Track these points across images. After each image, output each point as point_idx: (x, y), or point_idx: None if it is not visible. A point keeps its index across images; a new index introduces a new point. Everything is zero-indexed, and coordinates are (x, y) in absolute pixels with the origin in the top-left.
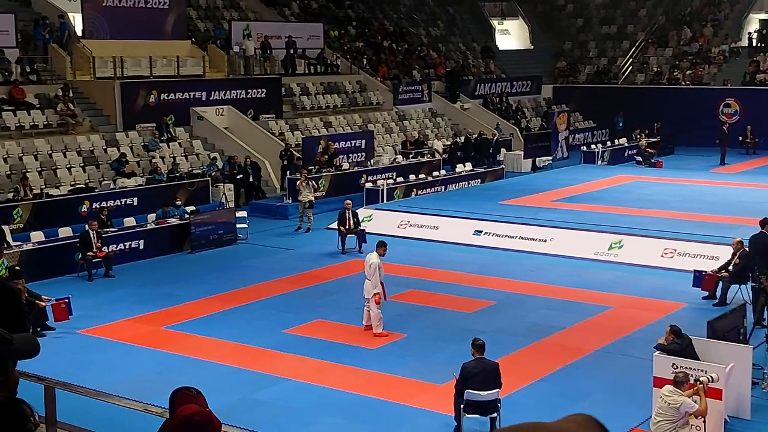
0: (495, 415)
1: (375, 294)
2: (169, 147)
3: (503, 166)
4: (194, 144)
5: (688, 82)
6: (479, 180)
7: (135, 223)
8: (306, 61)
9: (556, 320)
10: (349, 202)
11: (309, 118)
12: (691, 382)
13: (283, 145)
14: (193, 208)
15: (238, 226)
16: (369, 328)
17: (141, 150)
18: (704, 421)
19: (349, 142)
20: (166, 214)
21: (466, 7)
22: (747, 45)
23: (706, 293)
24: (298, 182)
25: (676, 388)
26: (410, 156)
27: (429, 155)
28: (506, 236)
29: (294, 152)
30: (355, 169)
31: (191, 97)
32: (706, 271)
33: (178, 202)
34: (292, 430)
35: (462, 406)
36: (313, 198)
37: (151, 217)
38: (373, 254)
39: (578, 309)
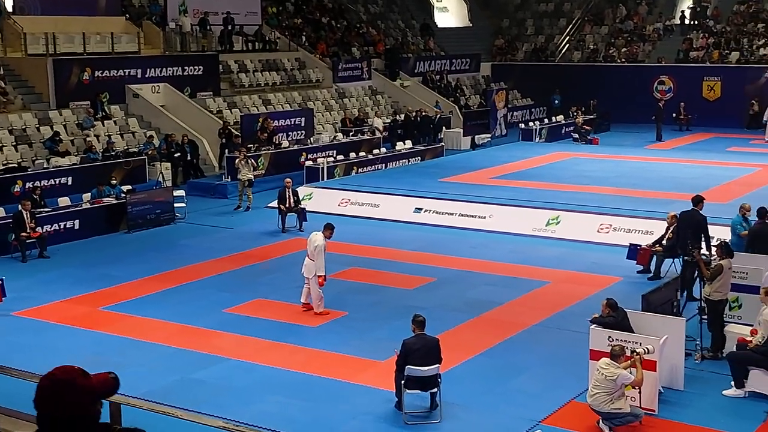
0: (435, 390)
1: (319, 276)
2: (104, 125)
3: (443, 143)
4: (130, 122)
5: (623, 60)
6: (419, 158)
7: (70, 203)
8: (244, 37)
9: (496, 296)
10: (289, 180)
11: (247, 96)
12: (627, 354)
13: (221, 123)
14: (129, 187)
15: (175, 205)
16: (307, 306)
17: (75, 128)
18: (639, 392)
19: (288, 119)
20: (101, 193)
21: None
22: (680, 23)
23: (640, 267)
24: (237, 160)
25: (612, 361)
26: (350, 134)
27: (369, 133)
28: (446, 213)
29: (232, 130)
30: (295, 147)
31: (126, 74)
32: (640, 245)
33: (114, 181)
34: (233, 409)
35: (403, 381)
36: (252, 176)
37: (86, 196)
38: (318, 234)
39: (517, 284)
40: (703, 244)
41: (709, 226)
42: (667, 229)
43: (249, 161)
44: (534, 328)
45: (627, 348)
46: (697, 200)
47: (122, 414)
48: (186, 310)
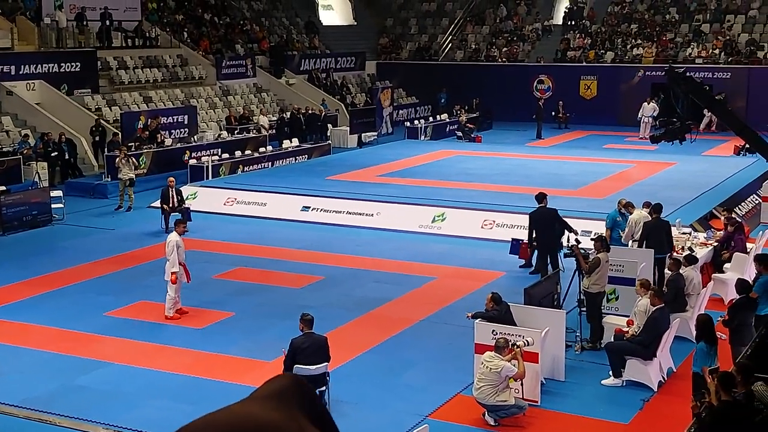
0: (324, 388)
1: (172, 273)
2: None
3: (330, 141)
4: (4, 121)
5: (504, 59)
6: (306, 156)
7: None
8: (123, 33)
9: (383, 293)
10: (172, 179)
11: (128, 93)
12: (510, 347)
13: (94, 120)
14: (3, 188)
15: (53, 206)
16: (179, 313)
17: None
18: (522, 384)
19: (171, 117)
20: None
21: None
22: (559, 23)
23: (522, 261)
24: (118, 159)
25: (496, 354)
26: (235, 132)
27: (255, 131)
28: (334, 211)
29: (107, 128)
30: (179, 145)
31: None
32: (522, 240)
33: None
34: (118, 415)
35: None
36: (133, 175)
37: None
38: (172, 233)
39: (404, 281)
40: (570, 235)
41: (589, 221)
42: None
43: (130, 160)
44: (421, 324)
45: (509, 341)
46: (541, 197)
47: None
48: (66, 315)
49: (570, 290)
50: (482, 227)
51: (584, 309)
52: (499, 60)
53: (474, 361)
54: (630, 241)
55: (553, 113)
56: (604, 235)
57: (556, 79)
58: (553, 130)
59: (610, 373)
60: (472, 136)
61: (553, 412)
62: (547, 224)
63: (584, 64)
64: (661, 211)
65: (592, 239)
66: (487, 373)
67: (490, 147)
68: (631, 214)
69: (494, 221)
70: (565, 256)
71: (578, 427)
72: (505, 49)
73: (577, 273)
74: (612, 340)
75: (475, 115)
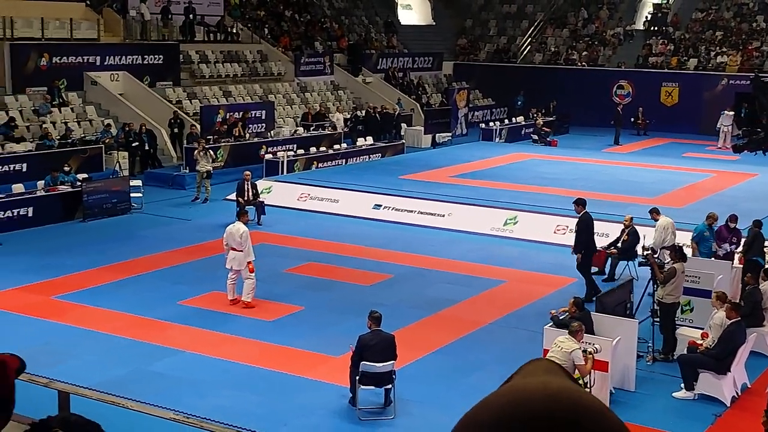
0: (390, 386)
1: (250, 263)
2: (60, 112)
3: (404, 141)
4: (87, 110)
5: (583, 63)
6: (380, 154)
7: (24, 190)
8: (205, 28)
9: (452, 294)
10: (248, 173)
11: (208, 87)
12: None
13: (172, 113)
14: (85, 175)
15: (132, 195)
16: (236, 301)
17: (31, 114)
18: (590, 389)
19: (249, 112)
20: (55, 180)
21: None
22: (641, 28)
23: (595, 269)
24: (196, 152)
25: (570, 336)
26: (311, 128)
27: (330, 128)
28: (405, 211)
29: (185, 120)
30: (255, 140)
31: (85, 61)
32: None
33: (67, 169)
34: (187, 402)
35: (357, 377)
36: (210, 168)
37: (41, 184)
38: (238, 224)
39: (474, 283)
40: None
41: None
42: (623, 231)
43: (207, 153)
44: (489, 327)
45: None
46: (580, 202)
47: (71, 404)
48: (141, 302)
49: (643, 300)
50: (555, 232)
51: (657, 319)
52: (579, 64)
53: None
54: (660, 249)
55: (633, 119)
56: (680, 244)
57: (637, 84)
58: (632, 137)
59: (682, 385)
60: (548, 139)
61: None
62: (591, 229)
63: (666, 70)
64: (761, 225)
65: (668, 248)
66: (558, 352)
67: (566, 151)
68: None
69: (567, 226)
70: (640, 264)
71: None
72: (585, 52)
73: (651, 282)
74: (685, 352)
75: (551, 118)
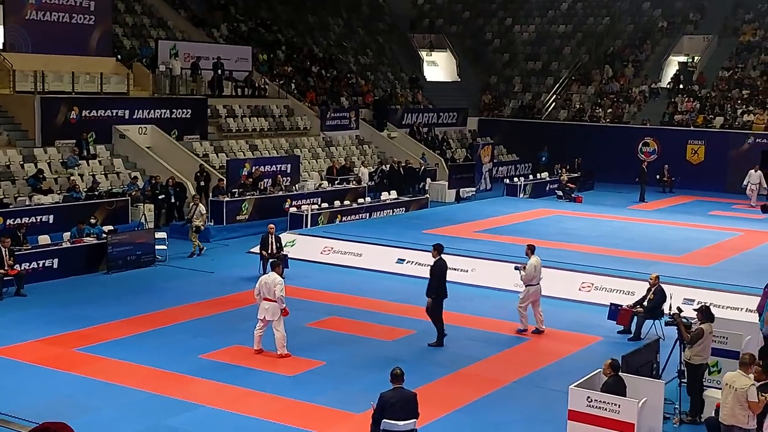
0: None
1: (285, 308)
2: (88, 165)
3: (428, 195)
4: (115, 162)
5: (608, 120)
6: (404, 208)
7: (50, 241)
8: (233, 83)
9: (475, 351)
10: (272, 226)
11: (234, 141)
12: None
13: (198, 166)
14: (110, 227)
15: (157, 247)
16: (260, 351)
17: (59, 167)
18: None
19: (274, 165)
20: (81, 232)
21: (395, 37)
22: (666, 86)
23: (621, 327)
24: (191, 205)
25: (741, 371)
26: (336, 182)
27: (355, 181)
28: (429, 265)
29: (212, 173)
30: (280, 193)
31: (114, 114)
32: (621, 305)
33: (93, 221)
34: None
35: None
36: (200, 224)
37: (66, 235)
38: (273, 274)
39: (497, 340)
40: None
41: (693, 289)
42: (648, 290)
43: (198, 208)
44: (513, 385)
45: (605, 409)
46: (437, 248)
47: None
48: (162, 355)
49: (670, 360)
50: (580, 289)
51: (685, 380)
52: (604, 121)
53: (566, 428)
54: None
55: (658, 176)
56: (707, 304)
57: (662, 142)
58: (657, 194)
59: None
60: (573, 195)
61: None
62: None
63: (692, 128)
64: None
65: (695, 309)
66: (732, 396)
67: (590, 208)
68: None
69: (592, 284)
70: (666, 324)
71: None
72: (610, 110)
73: (678, 343)
74: (713, 414)
75: (576, 174)
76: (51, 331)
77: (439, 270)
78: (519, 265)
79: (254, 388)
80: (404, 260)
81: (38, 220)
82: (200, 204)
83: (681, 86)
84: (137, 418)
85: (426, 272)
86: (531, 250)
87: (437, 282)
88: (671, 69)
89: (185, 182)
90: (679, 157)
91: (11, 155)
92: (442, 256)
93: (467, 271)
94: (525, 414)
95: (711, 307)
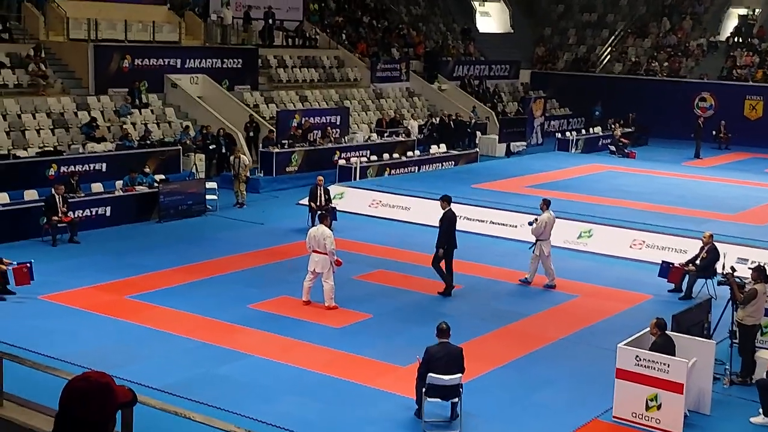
0: (456, 399)
1: (337, 260)
2: (141, 113)
3: (477, 149)
4: (167, 112)
5: (664, 74)
6: (453, 162)
7: (102, 189)
8: (284, 33)
9: (522, 307)
10: (321, 178)
11: (285, 92)
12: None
13: (248, 116)
14: (162, 176)
15: (207, 197)
16: (309, 303)
17: (112, 115)
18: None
19: (324, 117)
20: (133, 181)
21: None
22: (725, 40)
23: (671, 286)
24: (232, 158)
25: None
26: (385, 135)
27: (404, 135)
28: (477, 220)
29: (261, 123)
30: (329, 145)
31: (166, 63)
32: (673, 264)
33: (147, 170)
34: (253, 407)
35: (424, 389)
36: (247, 173)
37: (119, 184)
38: (322, 227)
39: (545, 297)
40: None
41: (747, 248)
42: (702, 248)
43: (241, 159)
44: (560, 342)
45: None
46: (446, 199)
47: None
48: (211, 304)
49: (722, 320)
50: (631, 247)
51: (736, 341)
52: (660, 75)
53: (614, 386)
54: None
55: (714, 133)
56: (763, 264)
57: (720, 97)
58: (713, 151)
59: (760, 410)
60: (626, 151)
61: None
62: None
63: (751, 83)
64: None
65: (749, 268)
66: None
67: (644, 164)
68: None
69: (644, 241)
70: (719, 284)
71: None
72: (666, 63)
73: (730, 303)
74: (765, 376)
75: (630, 130)
76: (103, 279)
77: (448, 221)
78: (532, 219)
79: (302, 339)
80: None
81: (91, 168)
82: (242, 156)
83: (740, 40)
84: (187, 367)
85: (473, 227)
86: (546, 204)
87: (446, 233)
88: (731, 22)
89: (236, 133)
90: (737, 113)
91: (65, 103)
92: (452, 206)
93: (516, 226)
94: (572, 371)
95: (766, 267)
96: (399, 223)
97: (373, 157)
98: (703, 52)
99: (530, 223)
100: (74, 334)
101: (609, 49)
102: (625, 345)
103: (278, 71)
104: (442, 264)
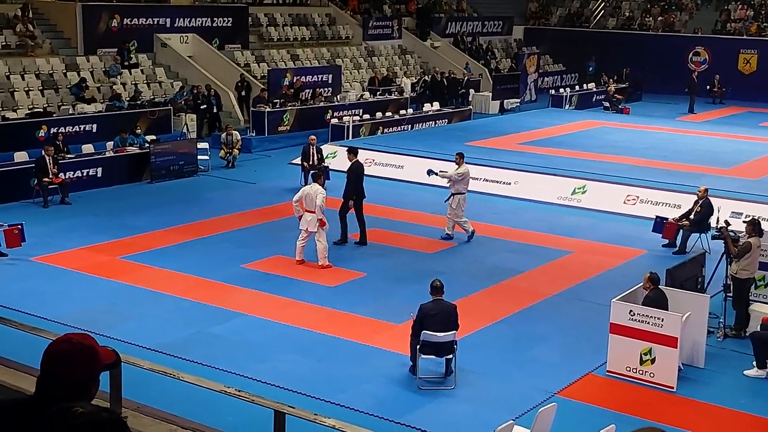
0: (451, 356)
1: (322, 219)
2: (131, 74)
3: (471, 107)
4: (157, 71)
5: (658, 29)
6: (446, 120)
7: (93, 150)
8: None
9: (517, 263)
10: (313, 137)
11: (276, 50)
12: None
13: (239, 75)
14: (153, 137)
15: (199, 157)
16: (302, 262)
17: (102, 75)
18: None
19: (316, 76)
20: (124, 141)
21: None
22: None
23: (666, 241)
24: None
25: None
26: (378, 93)
27: (397, 93)
28: (471, 178)
29: (252, 82)
30: (321, 104)
31: (155, 23)
32: (667, 219)
33: (138, 131)
34: (247, 366)
35: (418, 346)
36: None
37: (110, 144)
38: (316, 186)
39: (539, 253)
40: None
41: (741, 202)
42: (695, 203)
43: (233, 136)
44: (554, 298)
45: (646, 323)
46: (352, 151)
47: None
48: (205, 264)
49: (716, 274)
50: (624, 202)
51: (730, 294)
52: (654, 29)
53: (608, 341)
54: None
55: (708, 87)
56: (757, 218)
57: (714, 51)
58: (707, 105)
59: (754, 363)
60: (620, 107)
61: (690, 400)
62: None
63: (745, 37)
64: None
65: (744, 221)
66: None
67: (638, 119)
68: None
69: (638, 197)
70: (713, 237)
71: (715, 417)
72: (660, 18)
73: (725, 256)
74: (758, 329)
75: (624, 85)
76: (95, 240)
77: (354, 173)
78: (434, 170)
79: (296, 297)
80: (446, 172)
81: (81, 129)
82: (234, 132)
83: None
84: (180, 326)
85: (469, 185)
86: (461, 157)
87: (354, 184)
88: None
89: (227, 91)
90: (731, 67)
91: (54, 63)
92: (358, 159)
93: (510, 183)
94: (566, 327)
95: (760, 220)
96: (392, 181)
97: (366, 116)
98: (697, 5)
99: (429, 173)
100: (67, 295)
101: (602, 3)
102: (618, 300)
103: (269, 29)
104: (351, 216)
